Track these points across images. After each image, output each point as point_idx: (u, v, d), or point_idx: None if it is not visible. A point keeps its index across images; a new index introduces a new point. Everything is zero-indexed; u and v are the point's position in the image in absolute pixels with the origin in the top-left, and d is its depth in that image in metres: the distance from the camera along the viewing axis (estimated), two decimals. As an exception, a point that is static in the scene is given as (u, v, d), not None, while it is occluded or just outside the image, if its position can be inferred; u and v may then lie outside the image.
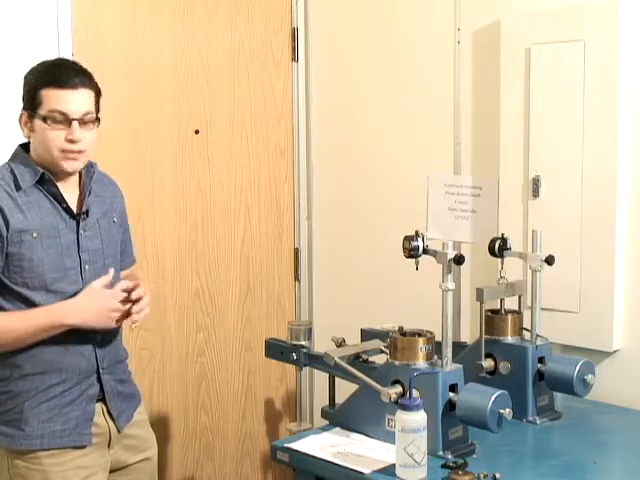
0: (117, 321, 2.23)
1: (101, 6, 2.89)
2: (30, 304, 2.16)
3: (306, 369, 2.85)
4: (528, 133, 2.76)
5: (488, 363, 2.49)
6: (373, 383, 2.27)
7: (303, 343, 2.59)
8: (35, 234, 2.15)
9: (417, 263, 2.31)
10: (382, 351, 2.49)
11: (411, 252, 2.30)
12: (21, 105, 2.23)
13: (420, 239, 2.29)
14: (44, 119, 2.15)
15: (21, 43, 2.67)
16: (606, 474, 2.23)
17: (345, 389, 2.44)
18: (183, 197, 3.16)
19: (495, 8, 2.86)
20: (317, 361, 2.51)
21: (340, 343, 2.59)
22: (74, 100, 2.16)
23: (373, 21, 3.24)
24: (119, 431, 2.31)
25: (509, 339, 2.52)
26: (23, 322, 2.14)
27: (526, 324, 2.54)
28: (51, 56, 2.68)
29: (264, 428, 3.47)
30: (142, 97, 3.02)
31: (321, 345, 2.81)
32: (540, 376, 2.47)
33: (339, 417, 2.43)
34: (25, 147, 2.26)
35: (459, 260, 2.22)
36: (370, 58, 3.27)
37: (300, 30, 3.44)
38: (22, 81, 2.25)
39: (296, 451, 2.28)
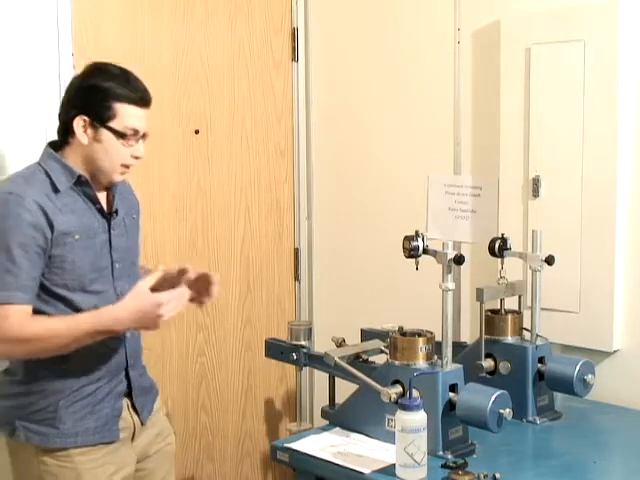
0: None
1: (101, 6, 2.89)
2: (69, 304, 2.16)
3: (306, 369, 2.85)
4: (528, 133, 2.76)
5: (488, 363, 2.49)
6: (373, 383, 2.27)
7: (303, 343, 2.59)
8: (77, 236, 2.15)
9: (417, 263, 2.32)
10: (382, 351, 2.49)
11: (411, 252, 2.30)
12: (74, 107, 2.17)
13: (420, 239, 2.30)
14: (118, 134, 2.15)
15: (21, 43, 2.67)
16: (606, 474, 2.23)
17: (345, 389, 2.44)
18: (183, 197, 3.16)
19: (495, 8, 2.86)
20: (317, 361, 2.51)
21: (340, 343, 2.59)
22: (144, 118, 2.20)
23: (373, 21, 3.24)
24: (142, 424, 2.33)
25: (509, 339, 2.52)
26: (69, 328, 2.11)
27: (526, 324, 2.54)
28: (51, 56, 2.72)
29: (264, 428, 3.47)
30: (142, 97, 3.02)
31: (321, 345, 2.81)
32: (540, 376, 2.48)
33: (339, 417, 2.43)
34: (53, 146, 2.23)
35: (459, 260, 2.22)
36: (370, 58, 3.27)
37: (300, 30, 3.44)
38: (78, 83, 2.20)
39: (296, 451, 2.28)
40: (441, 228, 3.05)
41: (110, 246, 2.24)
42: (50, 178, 2.16)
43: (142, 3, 3.00)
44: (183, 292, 2.18)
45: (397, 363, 2.28)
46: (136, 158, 2.21)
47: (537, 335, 2.51)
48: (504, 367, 2.48)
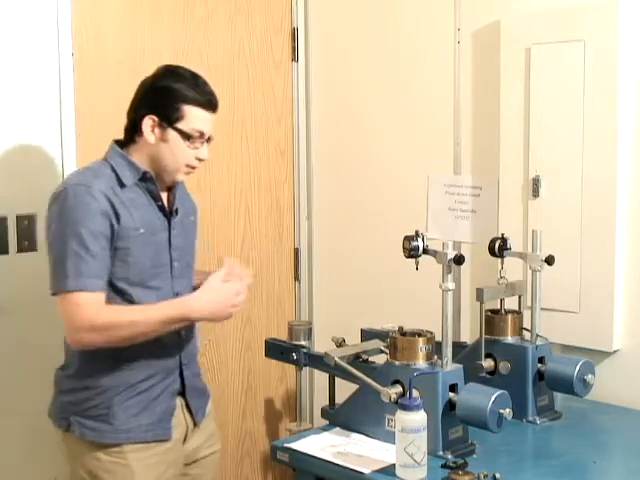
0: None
1: (101, 6, 2.89)
2: (127, 299, 2.19)
3: (306, 369, 2.85)
4: (528, 133, 2.76)
5: (488, 363, 2.49)
6: (373, 383, 2.27)
7: (303, 343, 2.59)
8: (142, 230, 2.20)
9: (417, 263, 2.31)
10: (382, 351, 2.49)
11: (411, 252, 2.30)
12: (147, 108, 2.22)
13: (420, 239, 2.29)
14: (185, 135, 2.21)
15: (21, 43, 2.67)
16: (606, 474, 2.23)
17: (345, 389, 2.44)
18: (183, 197, 3.16)
19: (495, 8, 2.86)
20: (317, 361, 2.51)
21: (340, 343, 2.59)
22: (211, 121, 2.26)
23: (373, 21, 3.24)
24: (195, 425, 2.36)
25: (509, 339, 2.52)
26: (145, 316, 2.15)
27: (526, 324, 2.54)
28: (51, 56, 2.72)
29: (264, 428, 3.47)
30: (142, 97, 3.02)
31: (321, 345, 2.81)
32: (540, 376, 2.47)
33: (339, 417, 2.43)
34: (119, 144, 2.28)
35: (459, 260, 2.22)
36: (370, 58, 3.27)
37: (300, 30, 3.44)
38: (149, 83, 2.26)
39: (296, 451, 2.28)
40: (441, 228, 3.05)
41: (170, 244, 2.28)
42: (116, 173, 2.21)
43: (142, 3, 3.00)
44: (246, 284, 2.27)
45: (397, 363, 2.28)
46: (200, 160, 2.26)
47: (537, 335, 2.51)
48: (504, 367, 2.48)
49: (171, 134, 2.21)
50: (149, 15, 3.02)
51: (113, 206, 2.15)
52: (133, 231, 2.18)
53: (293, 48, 3.44)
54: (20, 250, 2.66)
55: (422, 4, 3.10)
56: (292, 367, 3.09)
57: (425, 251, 2.29)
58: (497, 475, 2.06)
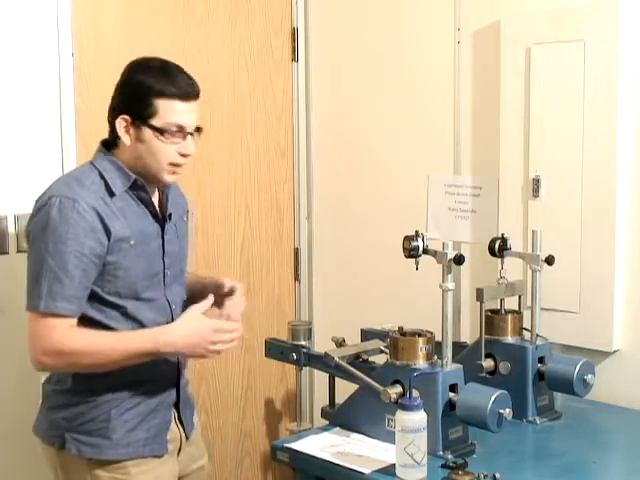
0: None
1: (101, 6, 2.89)
2: (121, 312, 2.07)
3: (306, 369, 2.85)
4: (528, 133, 2.76)
5: (488, 363, 2.49)
6: (373, 383, 2.27)
7: (303, 343, 2.59)
8: (132, 242, 2.06)
9: (417, 263, 2.31)
10: (382, 351, 2.49)
11: (411, 252, 2.30)
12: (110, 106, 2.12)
13: (420, 239, 2.29)
14: (159, 131, 2.04)
15: (21, 43, 2.67)
16: (606, 474, 2.23)
17: (345, 389, 2.44)
18: (183, 197, 3.16)
19: (495, 8, 2.86)
20: (317, 361, 2.51)
21: (340, 343, 2.59)
22: (190, 111, 2.08)
23: (373, 21, 3.24)
24: (187, 438, 2.26)
25: (509, 339, 2.52)
26: (112, 346, 2.02)
27: (526, 324, 2.54)
28: (51, 56, 2.71)
29: (264, 428, 3.47)
30: (142, 97, 3.01)
31: (321, 345, 2.81)
32: (540, 376, 2.47)
33: (339, 417, 2.43)
34: (106, 145, 2.14)
35: (459, 260, 2.22)
36: (370, 58, 3.27)
37: (300, 30, 3.44)
38: (119, 81, 2.13)
39: (296, 451, 2.28)
40: (441, 228, 3.04)
41: (163, 252, 2.16)
42: (105, 180, 2.06)
43: (142, 3, 3.00)
44: (237, 326, 2.16)
45: (397, 363, 2.28)
46: (184, 156, 2.08)
47: (537, 335, 2.51)
48: (504, 367, 2.48)
49: (146, 132, 2.04)
50: (149, 15, 3.02)
51: (102, 220, 2.01)
52: (124, 244, 2.05)
53: (293, 48, 3.44)
54: (20, 250, 2.66)
55: (422, 4, 3.10)
56: (292, 367, 3.09)
57: (425, 251, 2.29)
58: (497, 475, 2.07)
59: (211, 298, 2.15)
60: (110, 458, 2.09)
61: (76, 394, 2.11)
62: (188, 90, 2.08)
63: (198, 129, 2.13)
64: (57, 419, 2.13)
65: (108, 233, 2.02)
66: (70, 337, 2.00)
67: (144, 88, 2.05)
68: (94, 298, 2.06)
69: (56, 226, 1.98)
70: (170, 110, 2.04)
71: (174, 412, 2.23)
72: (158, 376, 2.16)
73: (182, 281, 2.26)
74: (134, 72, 2.11)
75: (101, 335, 2.03)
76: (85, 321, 2.04)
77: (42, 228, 2.00)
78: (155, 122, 2.04)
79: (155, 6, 3.03)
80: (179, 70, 2.12)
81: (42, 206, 2.02)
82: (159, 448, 2.16)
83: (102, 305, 2.07)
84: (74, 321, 2.02)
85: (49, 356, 2.01)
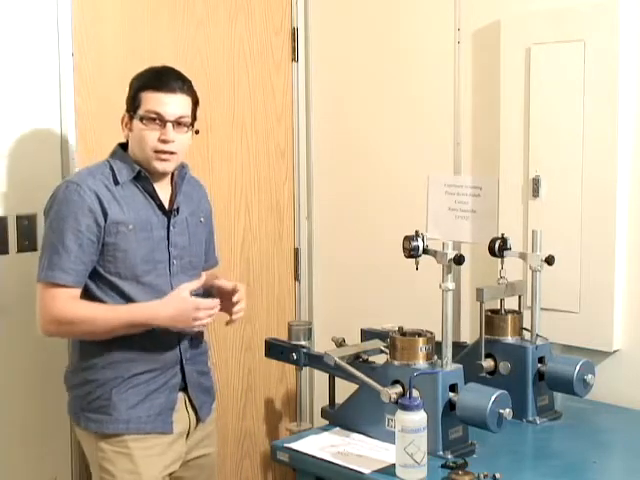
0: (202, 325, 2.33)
1: (101, 6, 2.88)
2: (120, 293, 2.27)
3: (306, 369, 2.85)
4: (528, 133, 2.76)
5: (488, 363, 2.49)
6: (373, 383, 2.27)
7: (303, 343, 2.60)
8: (131, 226, 2.27)
9: (417, 263, 2.32)
10: (382, 351, 2.49)
11: (411, 252, 2.30)
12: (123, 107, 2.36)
13: (420, 239, 2.30)
14: (141, 119, 2.28)
15: (21, 43, 2.67)
16: (606, 474, 2.23)
17: (345, 389, 2.44)
18: (183, 197, 3.16)
19: (495, 8, 2.86)
20: (317, 361, 2.51)
21: (340, 343, 2.59)
22: (170, 103, 2.29)
23: (373, 21, 3.24)
24: (199, 422, 2.41)
25: (509, 339, 2.52)
26: (105, 317, 2.24)
27: (526, 324, 2.55)
28: (51, 56, 2.72)
29: (264, 428, 3.47)
30: (142, 97, 3.01)
31: (321, 345, 2.82)
32: (540, 376, 2.48)
33: (339, 417, 2.43)
34: (123, 146, 2.38)
35: (459, 260, 2.22)
36: (370, 58, 3.27)
37: (300, 30, 3.44)
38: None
39: (296, 451, 2.28)
40: (441, 228, 3.04)
41: (168, 242, 2.34)
42: (113, 171, 2.31)
43: (142, 3, 3.00)
44: (216, 303, 2.31)
45: (397, 363, 2.28)
46: (164, 142, 2.28)
47: (537, 335, 2.51)
48: (504, 367, 2.48)
49: (135, 123, 2.30)
50: (149, 15, 3.02)
51: (101, 203, 2.24)
52: (122, 227, 2.26)
53: (293, 48, 3.44)
54: (20, 250, 2.66)
55: (422, 4, 3.10)
56: (292, 367, 3.08)
57: (425, 251, 2.29)
58: (497, 475, 2.07)
59: (202, 279, 2.40)
60: (110, 432, 2.29)
61: (82, 374, 2.32)
62: (171, 83, 2.31)
63: (192, 125, 2.35)
64: (74, 398, 2.38)
65: (105, 215, 2.25)
66: (67, 305, 2.23)
67: (133, 86, 2.35)
68: (97, 278, 2.27)
69: (60, 206, 2.25)
70: (151, 100, 2.28)
71: (184, 396, 2.38)
72: (159, 359, 2.32)
73: (191, 275, 2.40)
74: (134, 79, 2.37)
75: (96, 305, 2.26)
76: (88, 298, 2.27)
77: (49, 208, 2.28)
78: (140, 112, 2.30)
79: (155, 6, 3.03)
80: (170, 70, 2.37)
81: (56, 190, 2.30)
82: (162, 426, 2.32)
83: (104, 285, 2.27)
84: (75, 292, 2.25)
85: (52, 324, 2.25)
